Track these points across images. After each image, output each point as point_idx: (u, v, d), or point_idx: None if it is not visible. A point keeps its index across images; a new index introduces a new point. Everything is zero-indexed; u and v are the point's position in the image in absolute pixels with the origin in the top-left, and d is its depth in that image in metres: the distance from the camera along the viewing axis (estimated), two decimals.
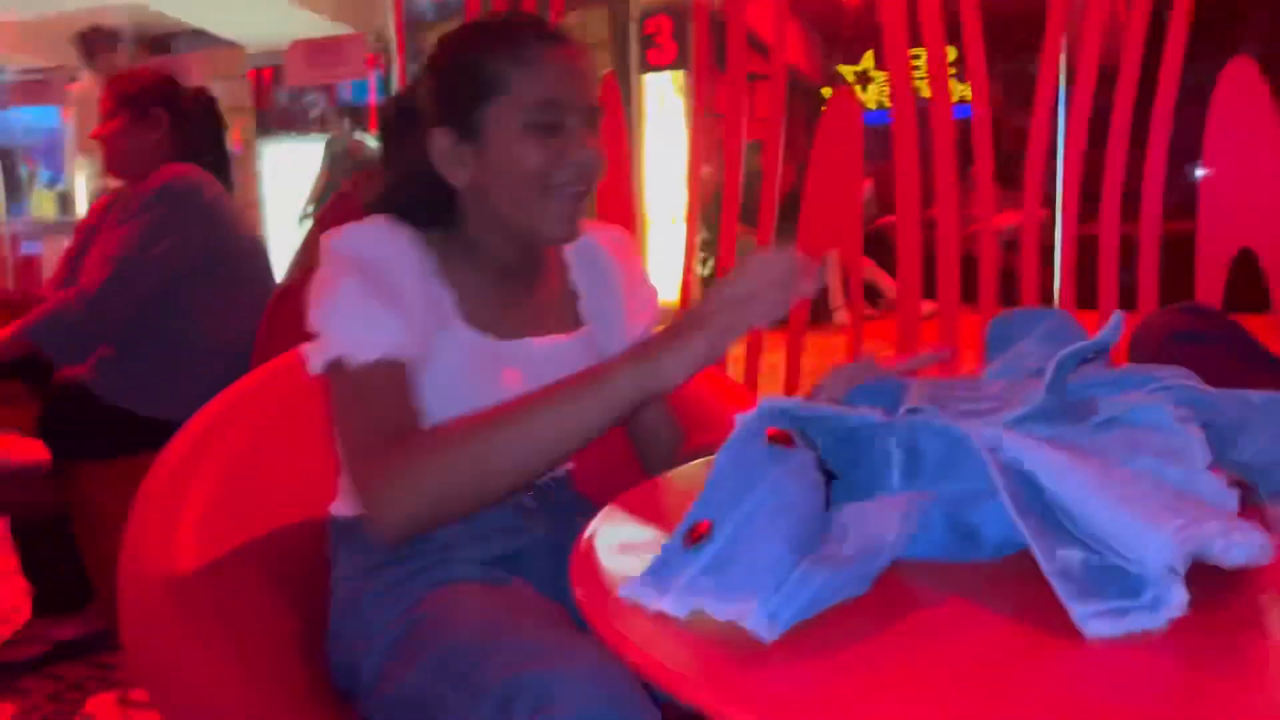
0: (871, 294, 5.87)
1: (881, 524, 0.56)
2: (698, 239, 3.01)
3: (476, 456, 0.86)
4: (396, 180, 1.09)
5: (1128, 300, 2.33)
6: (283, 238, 6.88)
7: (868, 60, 7.90)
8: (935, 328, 2.50)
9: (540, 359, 1.08)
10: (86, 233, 2.23)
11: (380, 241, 1.01)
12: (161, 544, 1.10)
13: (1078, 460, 0.58)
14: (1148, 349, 1.29)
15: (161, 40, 8.84)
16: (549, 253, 1.16)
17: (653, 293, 1.25)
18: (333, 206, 2.20)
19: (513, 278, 1.10)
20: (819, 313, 2.84)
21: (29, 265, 4.85)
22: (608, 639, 0.53)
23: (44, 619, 2.20)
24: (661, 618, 0.54)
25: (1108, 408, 0.65)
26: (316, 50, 3.69)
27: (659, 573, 0.56)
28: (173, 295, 2.05)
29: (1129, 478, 0.56)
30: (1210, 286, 2.23)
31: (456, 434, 0.87)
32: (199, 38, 8.50)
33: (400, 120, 1.10)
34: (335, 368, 0.95)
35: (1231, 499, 0.58)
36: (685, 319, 0.84)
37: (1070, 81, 2.40)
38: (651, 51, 6.98)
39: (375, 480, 0.88)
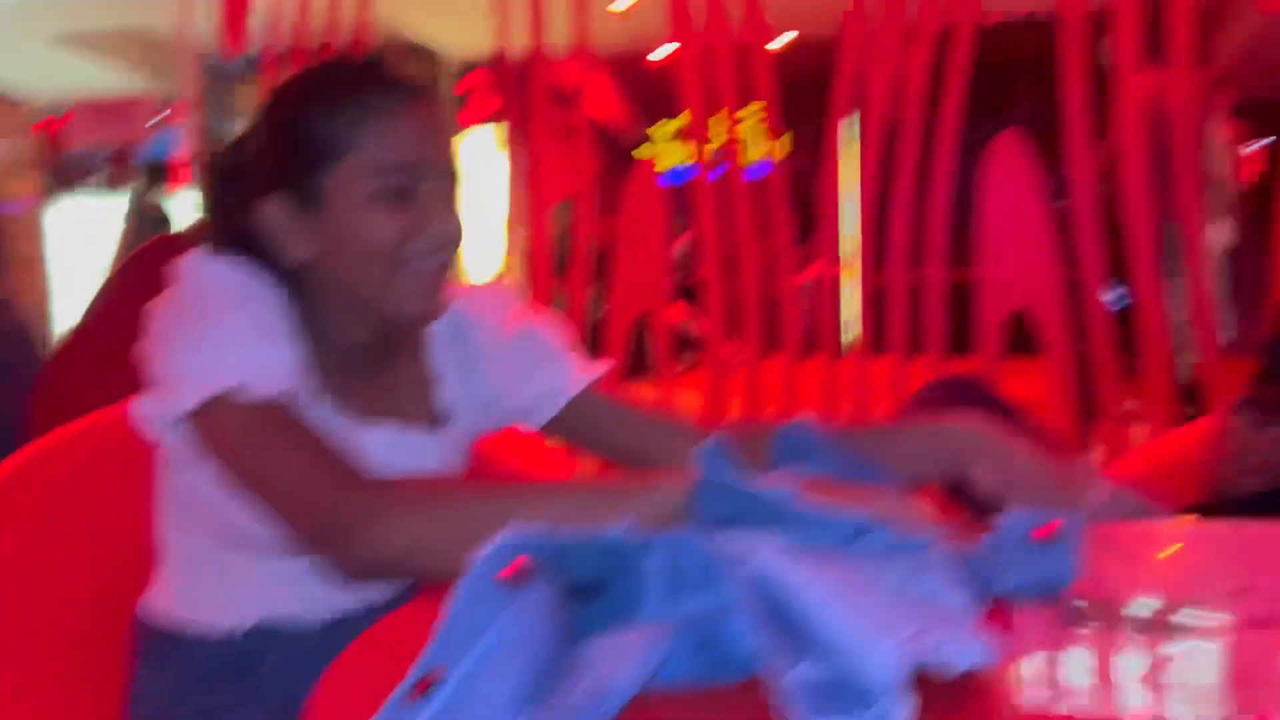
0: (695, 345, 5.97)
1: (618, 663, 0.55)
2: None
3: (476, 519, 0.74)
4: (235, 248, 0.93)
5: (959, 344, 2.45)
6: (71, 298, 6.47)
7: (681, 120, 8.12)
8: (742, 375, 2.57)
9: (396, 453, 0.94)
10: None
11: (246, 273, 0.90)
12: None
13: (821, 571, 0.59)
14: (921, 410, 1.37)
15: None
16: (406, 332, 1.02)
17: (544, 337, 1.07)
18: (125, 268, 2.07)
19: (360, 359, 0.97)
20: (639, 365, 2.87)
21: None
22: None
23: None
24: None
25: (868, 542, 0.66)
26: (102, 111, 3.51)
27: None
28: None
29: (867, 588, 0.57)
30: (990, 339, 2.37)
31: (461, 489, 0.83)
32: None
33: (226, 184, 0.95)
34: (221, 407, 0.82)
35: (970, 610, 0.60)
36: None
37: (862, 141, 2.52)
38: (463, 113, 6.98)
39: (356, 510, 0.78)
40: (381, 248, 0.88)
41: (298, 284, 0.93)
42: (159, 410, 0.86)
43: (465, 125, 6.70)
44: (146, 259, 2.00)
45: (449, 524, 0.76)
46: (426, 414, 1.01)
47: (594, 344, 2.80)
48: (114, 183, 6.81)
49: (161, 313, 0.88)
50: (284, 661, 0.94)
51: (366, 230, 0.88)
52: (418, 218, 0.89)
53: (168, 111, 5.64)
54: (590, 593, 0.66)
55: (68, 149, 6.75)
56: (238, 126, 1.03)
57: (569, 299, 2.80)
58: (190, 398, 0.82)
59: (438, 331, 1.03)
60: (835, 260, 2.58)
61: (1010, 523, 0.72)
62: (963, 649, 0.54)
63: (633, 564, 0.65)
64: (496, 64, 2.83)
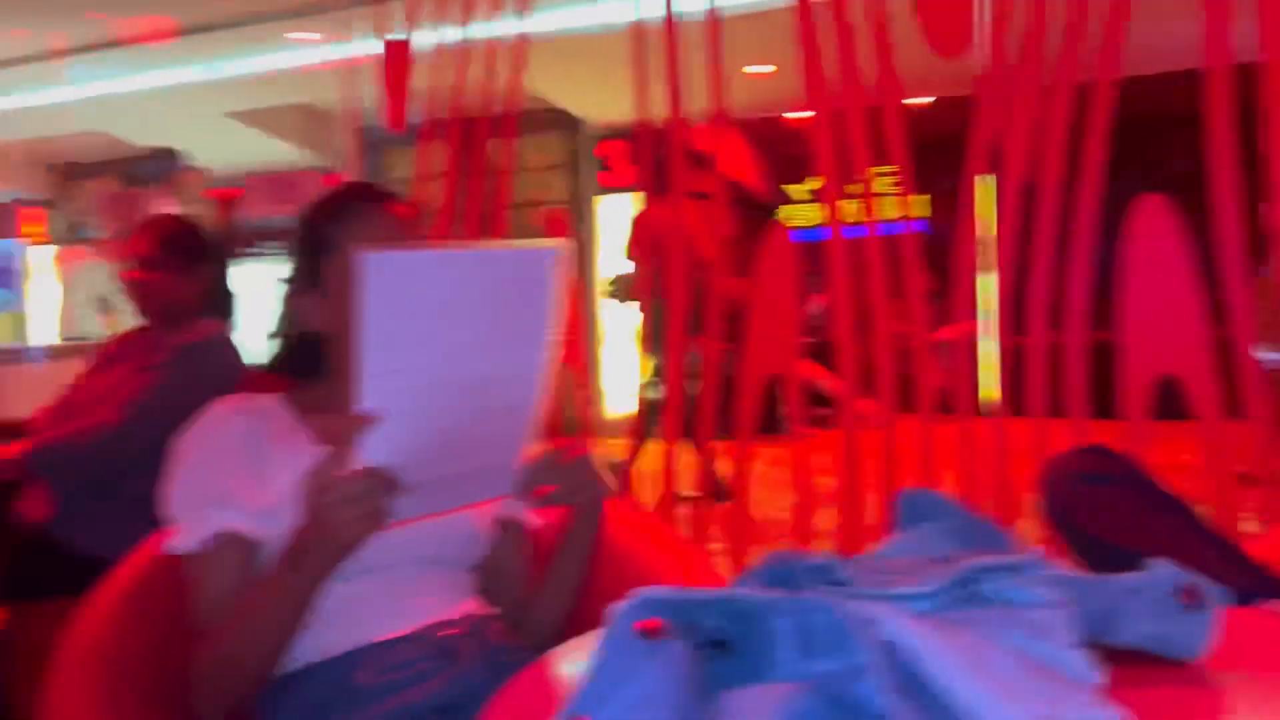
0: (827, 403, 5.89)
1: (756, 715, 0.58)
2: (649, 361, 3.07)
3: (223, 659, 1.05)
4: (284, 331, 1.25)
5: (1057, 407, 2.40)
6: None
7: (818, 181, 8.12)
8: (878, 437, 2.55)
9: None
10: (103, 363, 2.33)
11: (226, 420, 1.16)
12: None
13: (948, 638, 0.61)
14: (1060, 489, 1.37)
15: (127, 164, 8.96)
16: None
17: None
18: None
19: None
20: (771, 423, 2.89)
21: None
22: None
23: None
24: None
25: (989, 588, 0.69)
26: (273, 183, 3.77)
27: None
28: (162, 447, 2.09)
29: (996, 656, 0.59)
30: (1136, 406, 2.30)
31: (213, 641, 1.07)
32: (162, 161, 8.61)
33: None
34: (175, 550, 1.12)
35: (1093, 674, 0.61)
36: (315, 529, 0.97)
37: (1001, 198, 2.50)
38: (602, 174, 7.17)
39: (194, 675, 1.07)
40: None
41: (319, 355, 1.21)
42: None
43: (606, 188, 6.90)
44: None
45: (221, 670, 1.06)
46: None
47: (727, 402, 2.84)
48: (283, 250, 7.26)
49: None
50: (385, 671, 1.09)
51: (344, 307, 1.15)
52: None
53: (330, 178, 6.00)
54: (719, 650, 0.70)
55: (240, 217, 7.26)
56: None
57: (703, 357, 2.85)
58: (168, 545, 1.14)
59: None
60: (972, 320, 2.56)
61: (1159, 575, 0.72)
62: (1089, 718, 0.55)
63: (761, 624, 0.69)
64: (639, 131, 2.93)
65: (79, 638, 1.17)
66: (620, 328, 5.89)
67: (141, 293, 2.26)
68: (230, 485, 1.11)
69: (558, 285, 0.96)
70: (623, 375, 4.63)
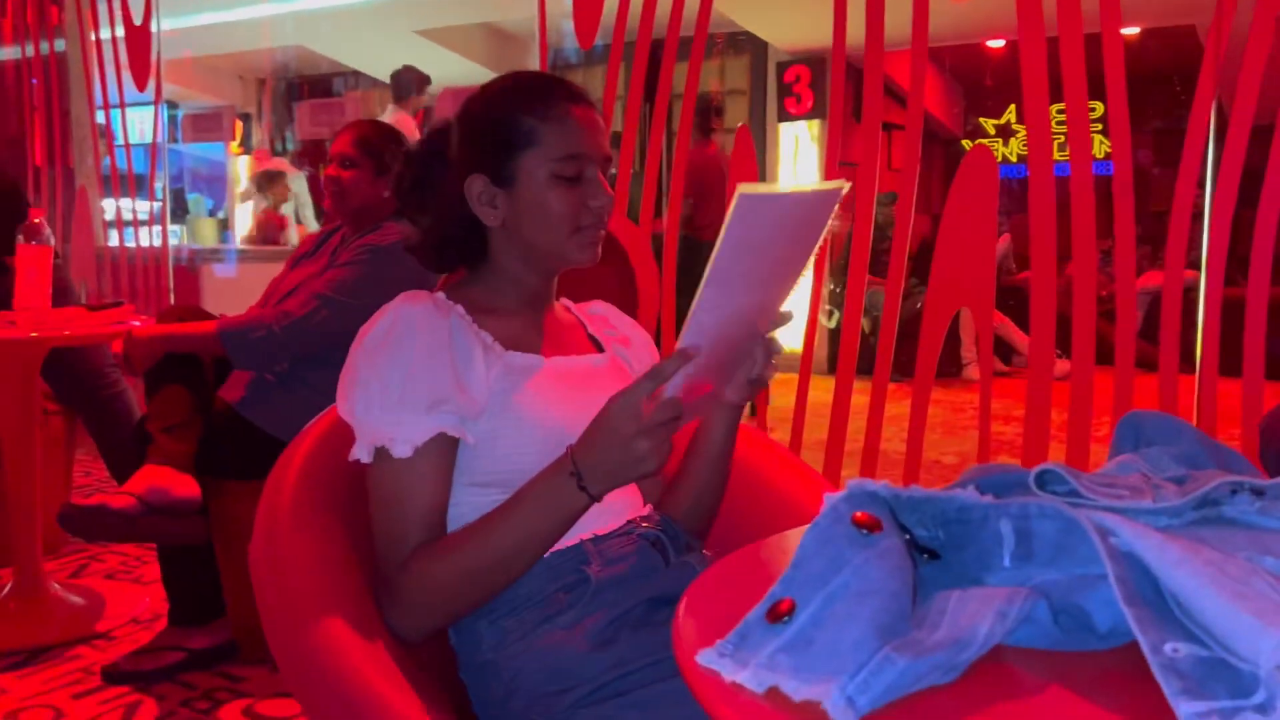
0: (1006, 350, 5.72)
1: (978, 614, 0.56)
2: (824, 290, 3.00)
3: (466, 572, 1.05)
4: (431, 221, 1.23)
5: (1275, 369, 2.22)
6: None
7: (1010, 113, 7.76)
8: (1066, 388, 2.43)
9: (588, 373, 1.22)
10: (292, 262, 2.47)
11: (415, 317, 1.12)
12: (289, 565, 1.16)
13: (1192, 552, 0.57)
14: (1279, 435, 1.25)
15: (322, 80, 9.34)
16: (562, 312, 1.31)
17: (646, 337, 1.39)
18: None
19: (532, 305, 1.23)
20: (948, 366, 2.78)
21: (192, 284, 5.21)
22: (704, 702, 0.54)
23: (179, 629, 2.33)
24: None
25: (1233, 510, 0.63)
26: (460, 96, 3.85)
27: (739, 645, 0.56)
28: (350, 339, 2.21)
29: (1247, 572, 0.55)
30: None
31: (444, 558, 1.05)
32: (355, 78, 8.94)
33: (429, 164, 1.22)
34: (375, 457, 1.08)
35: None
36: (612, 447, 0.99)
37: (1220, 139, 2.31)
38: (789, 100, 7.00)
39: (387, 598, 1.07)
40: (558, 218, 1.15)
41: (486, 247, 1.21)
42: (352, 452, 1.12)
43: (790, 115, 6.75)
44: None
45: (453, 585, 1.05)
46: (586, 346, 1.29)
47: (906, 340, 2.75)
48: None
49: (346, 367, 1.13)
50: (609, 564, 1.12)
51: (547, 204, 1.15)
52: (583, 196, 1.16)
53: None
54: (930, 554, 0.67)
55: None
56: None
57: (887, 293, 2.77)
58: (358, 453, 1.10)
59: (587, 319, 1.34)
60: (1182, 268, 2.38)
61: None
62: None
63: (980, 528, 0.66)
64: (823, 59, 2.82)
65: (271, 516, 1.22)
66: None
67: (336, 189, 2.35)
68: (435, 386, 1.08)
69: (828, 221, 0.98)
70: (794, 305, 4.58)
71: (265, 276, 2.55)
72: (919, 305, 2.73)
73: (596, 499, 1.02)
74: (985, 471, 0.77)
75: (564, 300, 1.34)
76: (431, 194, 1.22)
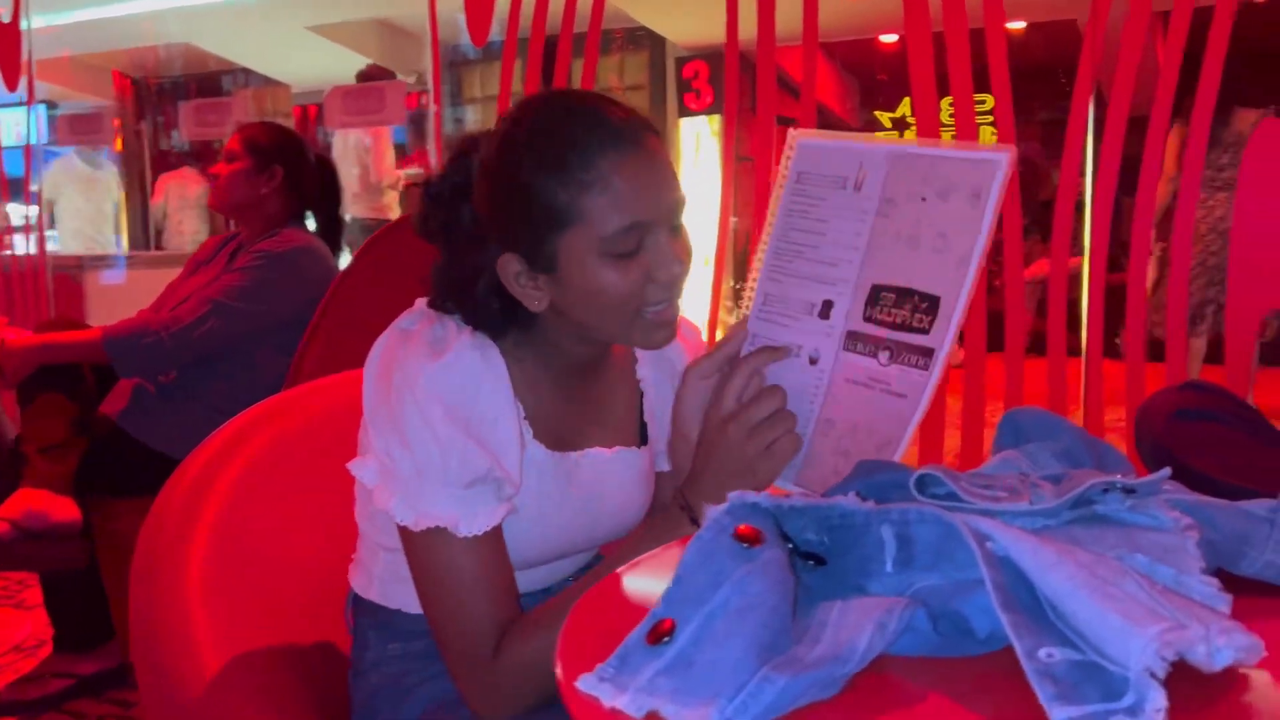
0: None
1: (858, 627, 0.55)
2: (725, 286, 3.01)
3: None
4: (460, 283, 0.98)
5: (1156, 351, 2.30)
6: None
7: (905, 106, 7.91)
8: (961, 375, 2.48)
9: (604, 470, 1.06)
10: (192, 267, 2.39)
11: (469, 377, 0.94)
12: (169, 591, 1.12)
13: (1066, 555, 0.57)
14: (1152, 427, 1.27)
15: (211, 77, 9.06)
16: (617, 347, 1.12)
17: None
18: (372, 243, 2.26)
19: (579, 375, 1.06)
20: None
21: (70, 292, 4.99)
22: None
23: (65, 655, 2.23)
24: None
25: (1108, 509, 0.64)
26: (356, 95, 3.76)
27: (619, 669, 0.55)
28: (240, 350, 2.15)
29: (1117, 574, 0.55)
30: (1240, 344, 2.19)
31: (543, 630, 0.91)
32: (247, 76, 8.69)
33: (455, 204, 0.99)
34: (435, 534, 0.93)
35: (1224, 601, 0.57)
36: (720, 471, 0.89)
37: (1101, 129, 2.38)
38: (689, 96, 7.03)
39: (480, 689, 0.94)
40: (615, 301, 0.93)
41: (528, 319, 0.99)
42: (370, 487, 0.96)
43: (689, 111, 6.78)
44: (390, 235, 2.17)
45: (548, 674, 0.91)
46: (633, 428, 1.12)
47: None
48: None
49: (399, 411, 0.92)
50: None
51: (601, 288, 0.92)
52: (648, 268, 0.92)
53: (410, 97, 5.99)
54: (815, 560, 0.67)
55: (322, 131, 7.34)
56: (469, 112, 1.08)
57: None
58: (404, 516, 0.92)
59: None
60: (1067, 256, 2.45)
61: None
62: (1221, 647, 0.51)
63: (862, 534, 0.66)
64: (721, 55, 2.83)
65: (155, 535, 1.18)
66: (698, 251, 5.86)
67: (220, 186, 2.28)
68: (497, 456, 0.94)
69: (989, 204, 0.80)
70: (697, 297, 4.60)
71: (158, 284, 2.46)
72: None
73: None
74: (870, 471, 0.77)
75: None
76: (461, 247, 0.98)
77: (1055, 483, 0.69)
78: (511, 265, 0.95)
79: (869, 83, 7.05)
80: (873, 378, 0.87)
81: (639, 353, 1.14)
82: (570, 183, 0.89)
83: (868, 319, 0.87)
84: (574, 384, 1.05)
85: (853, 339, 0.89)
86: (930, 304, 0.83)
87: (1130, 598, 0.53)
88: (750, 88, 2.87)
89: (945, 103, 2.61)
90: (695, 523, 0.90)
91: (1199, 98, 2.21)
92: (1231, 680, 0.55)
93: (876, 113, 8.14)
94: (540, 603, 0.97)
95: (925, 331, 0.83)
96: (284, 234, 2.25)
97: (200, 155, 7.86)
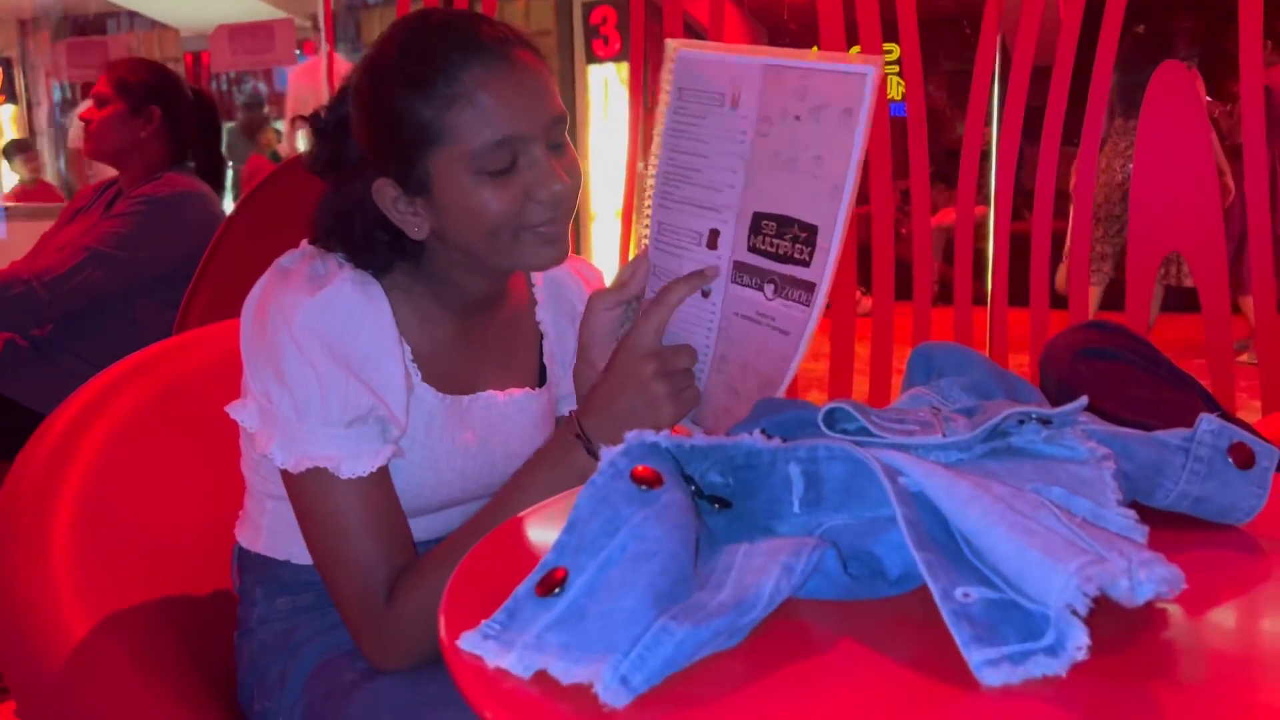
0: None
1: (763, 570, 0.51)
2: (635, 234, 2.96)
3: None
4: (343, 215, 0.94)
5: (1058, 299, 2.33)
6: None
7: (812, 56, 7.92)
8: (869, 323, 2.48)
9: (498, 415, 1.02)
10: (68, 216, 2.23)
11: (349, 314, 0.90)
12: (30, 557, 1.04)
13: (982, 489, 0.54)
14: (1057, 367, 1.28)
15: (94, 21, 8.59)
16: (518, 277, 1.08)
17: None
18: (258, 188, 2.14)
19: (475, 314, 1.02)
20: None
21: None
22: (464, 692, 0.47)
23: None
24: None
25: (1022, 440, 0.62)
26: (244, 34, 3.57)
27: (506, 624, 0.50)
28: (119, 302, 2.02)
29: (1035, 508, 0.52)
30: (1140, 287, 2.23)
31: (435, 574, 0.86)
32: (132, 19, 8.26)
33: (340, 137, 0.94)
34: (317, 475, 0.88)
35: (1140, 533, 0.55)
36: (623, 403, 0.87)
37: (1005, 80, 2.38)
38: (596, 43, 6.90)
39: (374, 639, 0.89)
40: (495, 221, 0.89)
41: (414, 249, 0.95)
42: (251, 431, 0.92)
43: (597, 58, 6.67)
44: (278, 179, 2.06)
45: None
46: (532, 370, 1.08)
47: None
48: (249, 111, 7.04)
49: (275, 350, 0.88)
50: None
51: (476, 209, 0.88)
52: (526, 186, 0.89)
53: (302, 42, 5.75)
54: (720, 503, 0.63)
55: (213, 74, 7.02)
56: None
57: None
58: (284, 459, 0.88)
59: (545, 289, 1.10)
60: (973, 205, 2.46)
61: (1206, 432, 0.65)
62: (1143, 581, 0.49)
63: (768, 474, 0.62)
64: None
65: (13, 498, 1.09)
66: (608, 201, 5.77)
67: (93, 132, 2.14)
68: (382, 394, 0.90)
69: (859, 119, 0.76)
70: (609, 249, 4.53)
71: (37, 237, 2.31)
72: None
73: (593, 460, 0.87)
74: (776, 408, 0.73)
75: (525, 276, 1.10)
76: (346, 179, 0.94)
77: (969, 415, 0.66)
78: (387, 190, 0.91)
79: (777, 30, 7.03)
80: (759, 312, 0.85)
81: (538, 294, 1.10)
82: (435, 98, 0.85)
83: (752, 249, 0.85)
84: (469, 325, 1.01)
85: (739, 270, 0.86)
86: (809, 234, 0.80)
87: (1049, 531, 0.50)
88: (658, 34, 2.81)
89: (853, 51, 2.58)
90: (590, 451, 0.88)
91: (1098, 54, 2.22)
92: (1149, 615, 0.53)
93: None
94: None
95: (806, 264, 0.81)
96: (166, 178, 2.12)
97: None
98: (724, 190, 0.87)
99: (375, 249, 0.94)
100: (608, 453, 0.57)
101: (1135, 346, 1.31)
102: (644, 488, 0.55)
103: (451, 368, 1.00)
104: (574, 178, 0.91)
